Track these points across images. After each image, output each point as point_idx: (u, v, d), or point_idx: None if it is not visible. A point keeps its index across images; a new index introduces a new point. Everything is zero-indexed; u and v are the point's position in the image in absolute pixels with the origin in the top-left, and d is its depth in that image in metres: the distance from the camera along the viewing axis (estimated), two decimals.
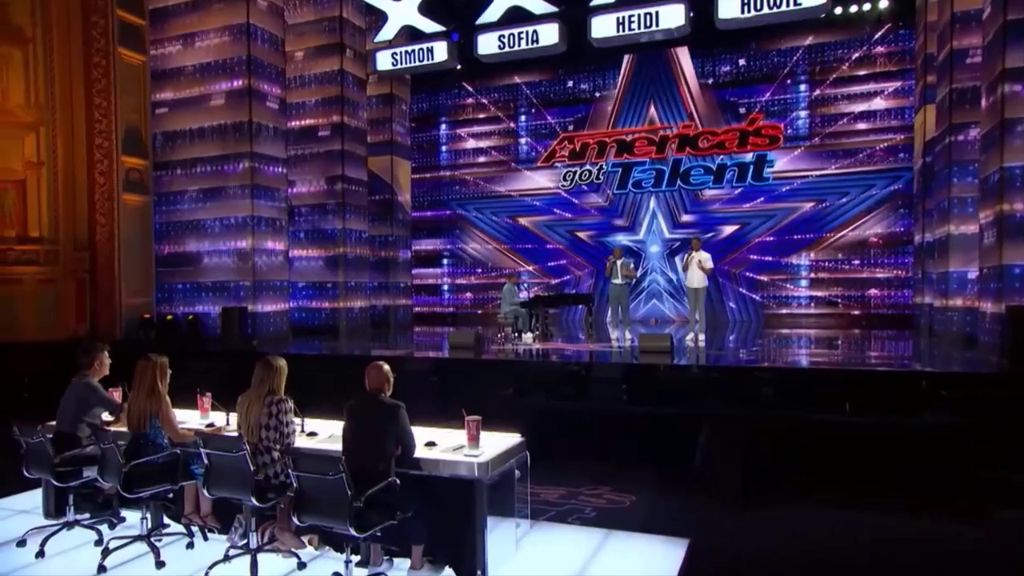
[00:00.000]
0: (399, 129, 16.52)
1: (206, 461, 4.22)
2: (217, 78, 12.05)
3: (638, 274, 15.90)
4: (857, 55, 14.61)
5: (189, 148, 12.37)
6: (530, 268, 17.40)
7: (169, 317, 12.13)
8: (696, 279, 10.23)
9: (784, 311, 15.26)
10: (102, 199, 11.60)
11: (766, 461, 6.02)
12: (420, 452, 4.22)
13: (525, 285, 17.24)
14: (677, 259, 15.28)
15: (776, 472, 5.85)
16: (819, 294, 15.05)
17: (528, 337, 11.09)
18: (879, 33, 14.40)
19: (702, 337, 10.17)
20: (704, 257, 10.19)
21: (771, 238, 15.30)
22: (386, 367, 4.26)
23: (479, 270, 17.93)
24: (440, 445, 4.40)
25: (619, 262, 10.78)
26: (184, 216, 12.48)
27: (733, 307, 15.73)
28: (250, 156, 11.91)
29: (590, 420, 7.20)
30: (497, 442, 4.46)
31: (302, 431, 4.79)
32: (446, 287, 18.37)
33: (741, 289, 15.66)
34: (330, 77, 14.01)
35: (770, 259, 15.36)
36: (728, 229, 15.65)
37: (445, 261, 18.32)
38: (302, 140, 14.11)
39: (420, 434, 4.39)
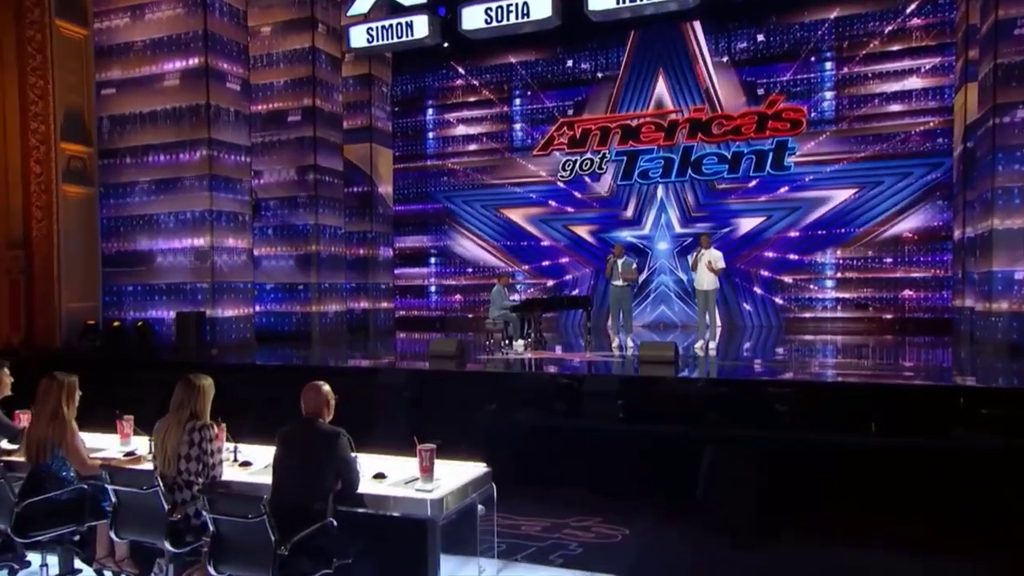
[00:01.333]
0: (379, 114, 16.36)
1: (113, 499, 3.93)
2: (170, 55, 11.84)
3: (642, 276, 15.82)
4: (890, 28, 14.33)
5: (139, 134, 12.17)
6: (525, 268, 17.25)
7: (116, 323, 11.93)
8: (706, 280, 10.02)
9: (807, 315, 15.06)
10: (39, 191, 11.34)
11: (780, 490, 5.87)
12: (365, 487, 3.93)
13: (520, 287, 17.09)
14: (689, 258, 14.98)
15: (791, 503, 5.71)
16: (847, 296, 14.86)
17: (519, 345, 10.96)
18: (915, 3, 14.13)
19: (712, 345, 10.02)
20: (715, 256, 10.00)
21: (793, 234, 15.10)
22: (325, 387, 3.97)
23: (469, 270, 17.75)
24: (391, 478, 4.11)
25: (620, 262, 10.61)
26: (134, 210, 12.28)
27: (750, 310, 15.55)
28: (208, 143, 11.72)
29: (582, 441, 7.06)
30: (456, 474, 4.17)
31: (235, 460, 4.49)
32: (433, 288, 18.22)
33: (759, 290, 15.46)
34: (300, 55, 13.84)
35: (792, 257, 15.15)
36: (744, 224, 15.46)
37: (432, 260, 18.17)
38: (269, 126, 13.97)
39: (369, 463, 4.11)
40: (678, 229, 15.88)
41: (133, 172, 12.20)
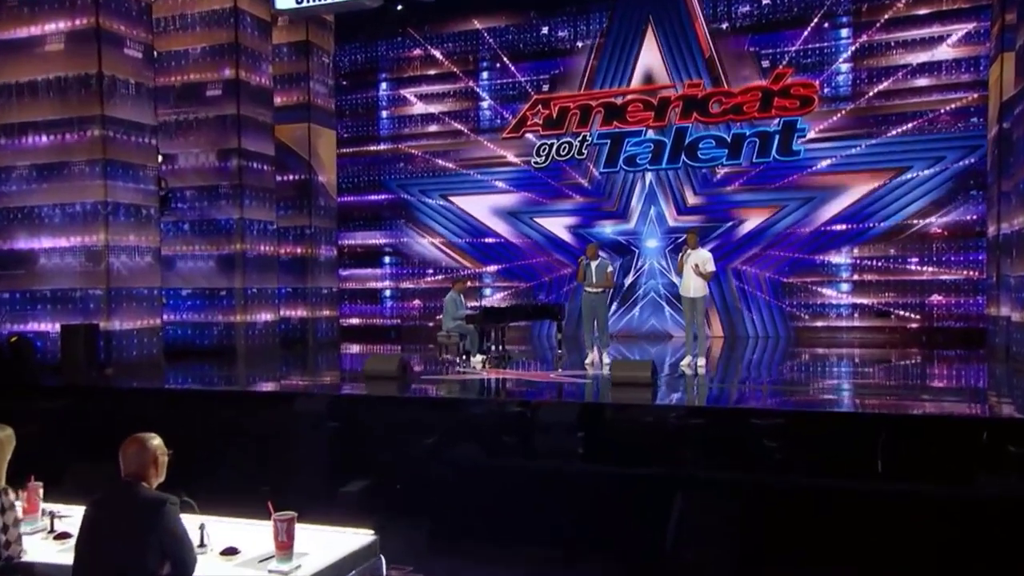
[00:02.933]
0: (319, 89, 16.04)
1: None
2: (52, 14, 11.29)
3: (629, 278, 15.91)
4: None
5: (15, 109, 11.61)
6: (492, 269, 17.19)
7: None
8: (693, 286, 9.88)
9: (819, 324, 15.05)
10: None
11: (767, 544, 5.82)
12: (207, 567, 3.44)
13: (488, 291, 17.04)
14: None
15: (784, 562, 5.68)
16: (865, 302, 14.82)
17: (477, 361, 10.82)
18: None
19: (702, 362, 9.89)
20: (703, 258, 9.84)
21: (803, 229, 15.02)
22: (154, 442, 3.45)
23: (429, 271, 17.71)
24: (246, 553, 3.61)
25: (594, 264, 10.38)
26: (10, 201, 11.77)
27: (754, 319, 15.42)
28: (101, 121, 11.23)
29: (532, 484, 6.91)
30: (329, 546, 3.69)
31: (49, 531, 3.96)
32: (387, 293, 18.19)
33: (763, 295, 15.36)
34: (220, 17, 13.46)
35: (801, 256, 15.06)
36: (747, 218, 15.36)
37: (385, 260, 18.14)
38: (183, 102, 13.63)
39: (224, 533, 3.68)
40: (671, 223, 15.75)
41: (8, 155, 11.66)
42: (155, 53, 12.57)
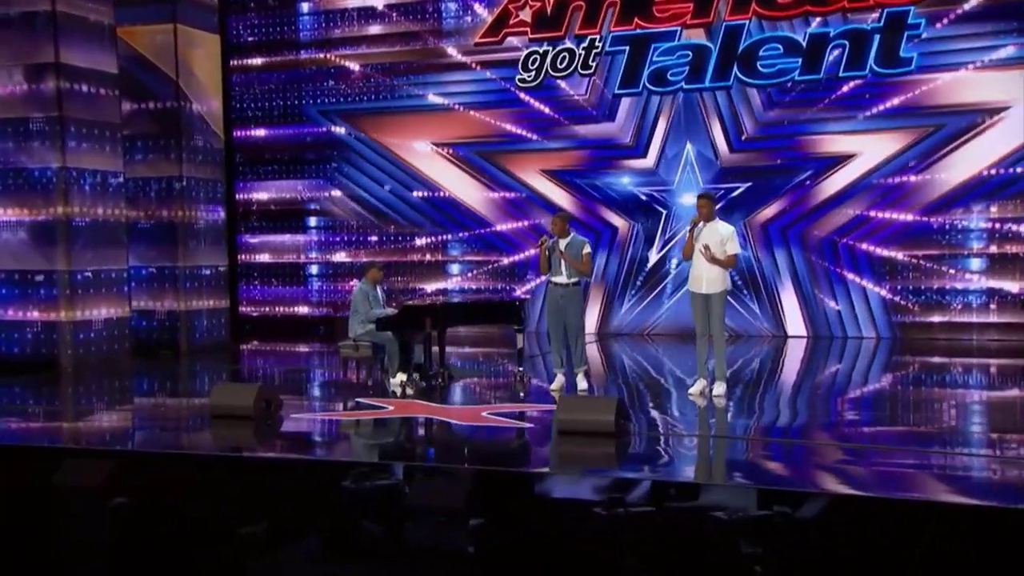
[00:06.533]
0: None
1: None
2: None
3: (656, 251, 15.99)
4: None
5: None
6: (456, 236, 17.35)
7: None
8: (705, 277, 9.64)
9: (935, 319, 14.99)
10: None
11: None
12: None
13: (455, 268, 17.28)
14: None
15: None
16: (1006, 287, 14.59)
17: (396, 384, 10.75)
18: None
19: (719, 390, 9.72)
20: (722, 235, 9.58)
21: (913, 178, 14.71)
22: None
23: (373, 238, 17.93)
24: None
25: (564, 243, 10.33)
26: None
27: (839, 312, 15.25)
28: None
29: None
30: None
31: None
32: (314, 270, 18.43)
33: (856, 278, 15.27)
34: None
35: (911, 219, 14.92)
36: (830, 159, 15.22)
37: (310, 222, 18.37)
38: None
39: None
40: (720, 165, 15.72)
41: None
42: None
